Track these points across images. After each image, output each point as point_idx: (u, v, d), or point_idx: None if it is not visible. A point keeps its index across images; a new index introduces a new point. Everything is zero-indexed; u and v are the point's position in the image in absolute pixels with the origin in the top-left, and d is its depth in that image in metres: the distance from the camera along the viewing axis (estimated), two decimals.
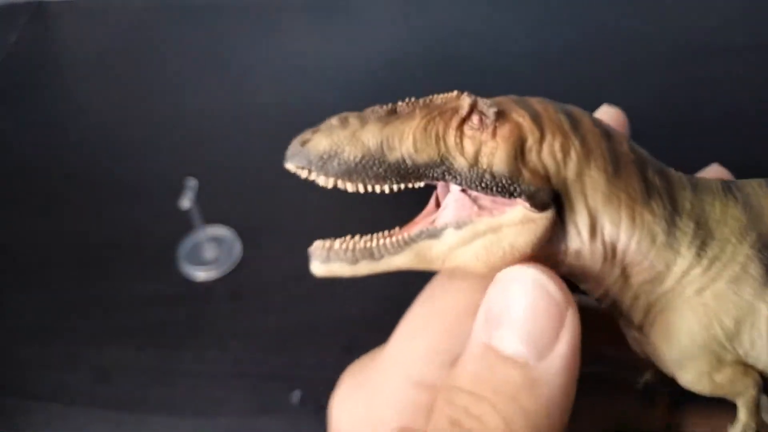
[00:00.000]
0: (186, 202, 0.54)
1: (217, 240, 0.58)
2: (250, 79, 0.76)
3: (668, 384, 0.27)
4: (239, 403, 0.48)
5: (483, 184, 0.23)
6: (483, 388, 0.23)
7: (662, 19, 0.80)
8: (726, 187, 0.26)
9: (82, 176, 0.66)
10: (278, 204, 0.60)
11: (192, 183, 0.55)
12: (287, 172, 0.24)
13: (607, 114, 0.30)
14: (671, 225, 0.24)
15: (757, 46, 0.75)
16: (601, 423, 0.33)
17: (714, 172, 0.31)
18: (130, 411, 0.48)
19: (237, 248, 0.58)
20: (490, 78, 0.74)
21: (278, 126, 0.69)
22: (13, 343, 0.53)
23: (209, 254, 0.57)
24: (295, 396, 0.48)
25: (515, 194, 0.23)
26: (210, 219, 0.58)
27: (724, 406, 0.26)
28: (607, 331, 0.32)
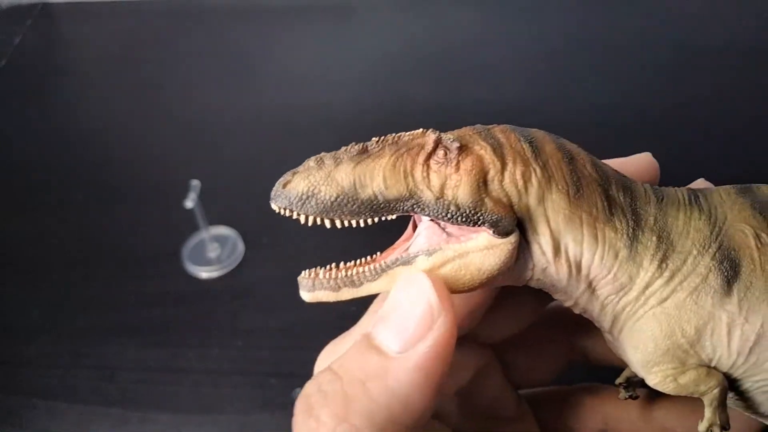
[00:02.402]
0: (189, 203, 0.55)
1: (219, 240, 0.59)
2: (254, 82, 0.77)
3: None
4: (242, 400, 0.49)
5: (449, 215, 0.24)
6: (344, 370, 0.24)
7: (670, 21, 0.81)
8: (693, 197, 0.27)
9: (86, 176, 0.67)
10: None
11: (195, 184, 0.55)
12: None
13: (638, 162, 0.31)
14: (633, 240, 0.25)
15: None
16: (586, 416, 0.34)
17: (699, 186, 0.31)
18: (134, 408, 0.49)
19: (239, 248, 0.58)
20: (493, 80, 0.74)
21: (281, 129, 0.70)
22: (18, 341, 0.53)
23: (212, 254, 0.58)
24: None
25: (479, 223, 0.24)
26: (213, 219, 0.59)
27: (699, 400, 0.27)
28: (590, 332, 0.33)
